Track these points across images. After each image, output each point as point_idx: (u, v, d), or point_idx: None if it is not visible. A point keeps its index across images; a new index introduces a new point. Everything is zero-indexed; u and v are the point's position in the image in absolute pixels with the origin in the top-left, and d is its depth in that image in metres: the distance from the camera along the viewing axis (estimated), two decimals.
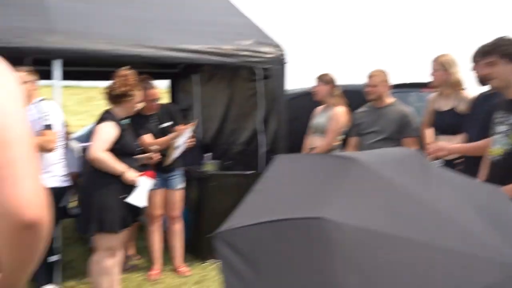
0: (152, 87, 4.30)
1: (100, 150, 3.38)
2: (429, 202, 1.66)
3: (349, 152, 2.18)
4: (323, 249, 1.48)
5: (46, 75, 4.12)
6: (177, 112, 4.58)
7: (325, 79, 4.55)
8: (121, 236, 3.53)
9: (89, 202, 3.43)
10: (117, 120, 3.53)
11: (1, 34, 3.92)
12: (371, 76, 4.21)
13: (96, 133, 3.46)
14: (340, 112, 4.46)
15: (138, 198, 3.48)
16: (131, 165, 3.55)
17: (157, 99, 4.32)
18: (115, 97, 3.58)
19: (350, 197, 1.64)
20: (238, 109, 5.70)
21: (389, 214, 1.58)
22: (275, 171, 1.98)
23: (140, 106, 3.86)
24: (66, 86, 17.17)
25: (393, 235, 1.50)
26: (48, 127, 3.61)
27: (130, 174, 3.47)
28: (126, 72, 3.61)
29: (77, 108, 14.37)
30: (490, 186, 2.11)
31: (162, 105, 4.52)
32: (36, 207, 0.84)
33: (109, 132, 3.44)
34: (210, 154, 5.18)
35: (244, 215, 1.78)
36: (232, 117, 5.80)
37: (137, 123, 4.21)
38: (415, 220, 1.59)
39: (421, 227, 1.57)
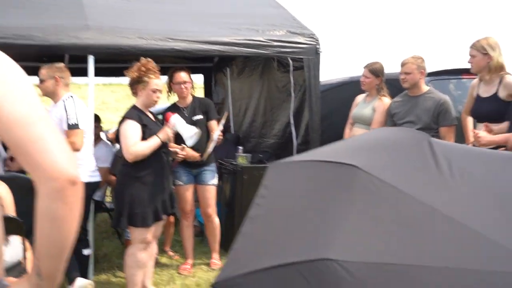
0: (180, 70, 4.29)
1: (133, 146, 3.38)
2: (443, 207, 1.49)
3: (350, 148, 1.92)
4: None
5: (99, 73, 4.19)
6: (211, 106, 4.50)
7: (375, 70, 4.33)
8: (154, 229, 3.53)
9: (122, 197, 3.45)
10: (139, 116, 3.50)
11: (37, 32, 3.98)
12: (405, 64, 4.03)
13: (121, 134, 3.45)
14: (387, 103, 4.26)
15: (188, 131, 3.63)
16: (158, 159, 3.52)
17: (184, 83, 4.25)
18: (131, 85, 3.59)
19: (356, 224, 1.47)
20: (270, 101, 5.61)
21: (402, 239, 1.42)
22: (270, 189, 1.81)
23: (170, 98, 3.82)
24: (107, 84, 17.57)
25: (408, 265, 1.35)
26: (73, 126, 3.60)
27: (162, 133, 3.49)
28: (143, 60, 3.58)
29: (118, 105, 14.63)
30: (507, 155, 1.92)
31: (197, 98, 4.48)
32: (75, 167, 1.00)
33: (133, 129, 3.43)
34: (241, 147, 5.10)
35: (242, 257, 1.62)
36: (263, 109, 5.72)
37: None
38: (430, 240, 1.43)
39: (437, 249, 1.41)
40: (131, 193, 3.40)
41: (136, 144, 3.39)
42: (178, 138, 3.86)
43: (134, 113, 3.50)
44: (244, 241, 1.67)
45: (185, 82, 4.27)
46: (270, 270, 1.49)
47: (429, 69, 4.33)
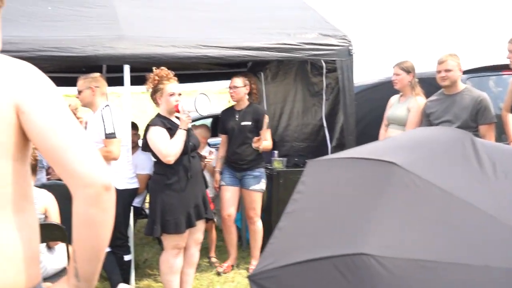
0: (237, 76, 4.43)
1: (166, 149, 3.42)
2: (486, 206, 1.44)
3: (390, 146, 1.87)
4: None
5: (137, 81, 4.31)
6: (262, 114, 4.45)
7: (405, 67, 4.28)
8: (187, 235, 3.56)
9: (154, 205, 3.50)
10: (162, 121, 3.54)
11: (76, 44, 4.10)
12: (443, 61, 3.93)
13: (151, 142, 3.50)
14: (422, 103, 4.19)
15: (191, 103, 3.48)
16: (187, 165, 3.52)
17: (234, 88, 4.37)
18: (152, 97, 3.68)
19: (394, 220, 1.44)
20: (303, 105, 5.59)
21: (441, 236, 1.38)
22: (308, 185, 1.81)
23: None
24: (146, 92, 17.90)
25: (446, 263, 1.31)
26: (110, 135, 3.68)
27: (180, 123, 3.49)
28: (155, 70, 3.63)
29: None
30: None
31: (253, 105, 4.52)
32: (108, 174, 1.08)
33: (159, 133, 3.48)
34: (277, 152, 5.10)
35: (278, 250, 1.62)
36: (297, 113, 5.70)
37: (224, 117, 4.33)
38: (470, 239, 1.38)
39: (477, 247, 1.36)
40: (163, 201, 3.45)
41: (167, 147, 3.43)
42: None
43: (157, 120, 3.56)
44: (280, 235, 1.68)
45: (235, 87, 4.40)
46: (306, 263, 1.49)
47: (466, 67, 4.22)
